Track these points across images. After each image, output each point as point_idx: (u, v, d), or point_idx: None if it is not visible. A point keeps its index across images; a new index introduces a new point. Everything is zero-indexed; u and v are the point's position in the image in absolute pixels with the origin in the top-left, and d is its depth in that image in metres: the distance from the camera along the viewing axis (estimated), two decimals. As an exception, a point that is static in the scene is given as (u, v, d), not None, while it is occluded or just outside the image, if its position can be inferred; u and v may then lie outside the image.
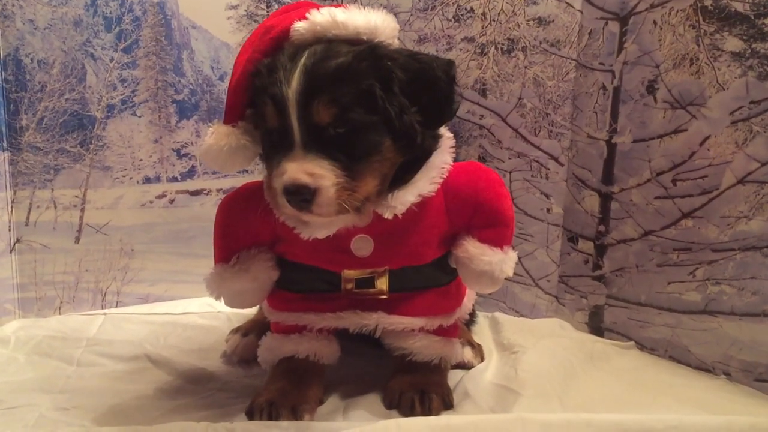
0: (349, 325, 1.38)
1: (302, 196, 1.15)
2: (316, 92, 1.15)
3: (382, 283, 1.36)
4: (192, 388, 1.47)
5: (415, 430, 1.19)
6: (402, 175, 1.26)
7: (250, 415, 1.29)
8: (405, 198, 1.24)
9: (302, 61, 1.17)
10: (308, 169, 1.15)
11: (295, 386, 1.35)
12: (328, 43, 1.21)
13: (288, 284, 1.40)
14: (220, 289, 1.37)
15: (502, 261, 1.35)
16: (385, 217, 1.24)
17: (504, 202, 1.37)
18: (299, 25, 1.23)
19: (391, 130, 1.19)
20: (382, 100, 1.17)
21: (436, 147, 1.29)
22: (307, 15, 1.23)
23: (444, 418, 1.28)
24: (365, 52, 1.19)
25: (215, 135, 1.27)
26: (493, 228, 1.36)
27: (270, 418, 1.26)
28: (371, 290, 1.37)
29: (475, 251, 1.34)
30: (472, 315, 1.75)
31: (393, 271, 1.36)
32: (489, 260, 1.33)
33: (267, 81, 1.19)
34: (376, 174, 1.21)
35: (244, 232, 1.36)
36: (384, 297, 1.37)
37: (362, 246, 1.31)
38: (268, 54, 1.24)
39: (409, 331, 1.40)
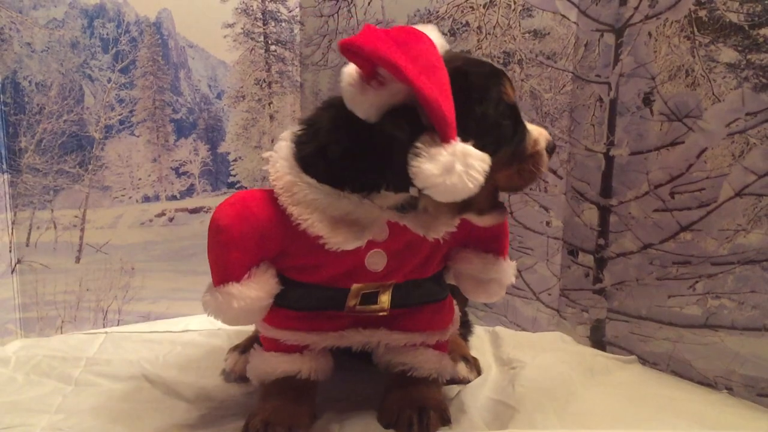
0: (352, 344, 1.38)
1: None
2: None
3: (385, 298, 1.35)
4: (187, 407, 1.47)
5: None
6: None
7: None
8: (445, 227, 1.26)
9: None
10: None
11: (291, 404, 1.33)
12: None
13: (289, 302, 1.35)
14: (228, 311, 1.26)
15: (506, 268, 1.41)
16: (429, 239, 1.24)
17: None
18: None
19: None
20: None
21: None
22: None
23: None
24: None
25: (472, 155, 1.12)
26: (496, 238, 1.40)
27: None
28: (373, 307, 1.35)
29: (480, 261, 1.39)
30: (469, 326, 1.74)
31: (396, 285, 1.35)
32: (497, 268, 1.39)
33: (489, 79, 1.24)
34: None
35: (257, 246, 1.26)
36: (384, 313, 1.36)
37: (377, 261, 1.29)
38: None
39: (410, 346, 1.39)
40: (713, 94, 1.52)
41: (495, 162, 1.16)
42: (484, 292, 1.43)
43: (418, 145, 1.09)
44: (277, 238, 1.26)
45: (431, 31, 1.22)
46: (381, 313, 1.36)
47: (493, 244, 1.40)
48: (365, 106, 1.15)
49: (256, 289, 1.27)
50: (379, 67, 1.12)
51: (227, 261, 1.26)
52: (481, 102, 1.20)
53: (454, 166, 1.07)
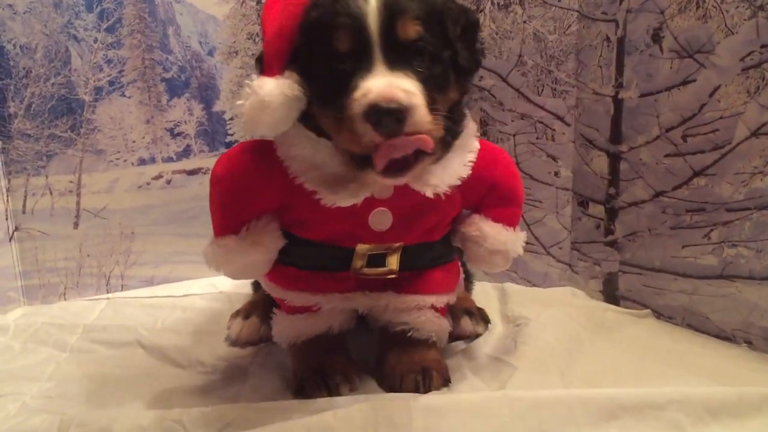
0: (359, 306, 1.34)
1: (396, 114, 1.03)
2: (399, 7, 1.09)
3: (393, 261, 1.30)
4: (178, 372, 1.45)
5: (394, 412, 1.14)
6: None
7: (302, 393, 1.27)
8: (446, 179, 1.21)
9: None
10: (400, 85, 1.05)
11: (334, 356, 1.33)
12: None
13: (294, 260, 1.32)
14: (228, 264, 1.27)
15: (515, 240, 1.35)
16: (426, 194, 1.19)
17: (518, 182, 1.38)
18: None
19: (455, 67, 1.16)
20: (452, 32, 1.15)
21: (462, 126, 1.26)
22: None
23: (424, 398, 1.21)
24: None
25: (266, 87, 1.12)
26: (508, 208, 1.36)
27: (327, 388, 1.26)
28: (381, 269, 1.30)
29: (489, 230, 1.33)
30: (470, 277, 1.68)
31: (406, 248, 1.30)
32: (504, 240, 1.34)
33: (334, 6, 1.10)
34: (446, 109, 1.14)
35: (254, 198, 1.25)
36: (393, 276, 1.30)
37: (381, 220, 1.24)
38: None
39: (417, 307, 1.34)
40: (726, 26, 1.41)
41: (320, 112, 1.15)
42: (488, 262, 1.38)
43: (247, 81, 1.14)
44: (275, 190, 1.23)
45: None
46: (390, 276, 1.31)
47: (504, 213, 1.35)
48: None
49: (254, 243, 1.25)
50: None
51: (224, 213, 1.27)
52: (310, 43, 1.14)
53: (249, 96, 1.12)
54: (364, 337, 1.42)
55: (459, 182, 1.22)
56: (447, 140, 1.18)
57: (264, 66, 1.17)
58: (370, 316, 1.39)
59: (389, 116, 1.03)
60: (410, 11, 1.09)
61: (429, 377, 1.29)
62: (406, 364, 1.32)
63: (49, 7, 1.84)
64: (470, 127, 1.29)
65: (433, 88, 1.10)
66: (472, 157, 1.26)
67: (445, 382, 1.32)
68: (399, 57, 1.09)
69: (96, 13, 1.89)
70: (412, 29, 1.09)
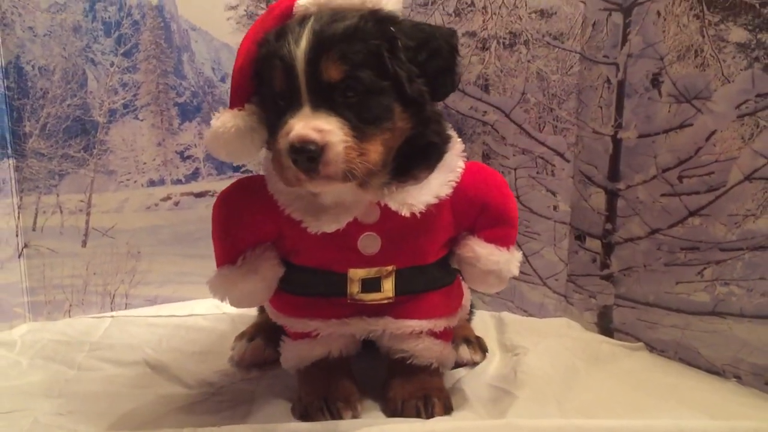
0: (356, 332, 1.37)
1: (309, 153, 1.10)
2: (325, 49, 1.14)
3: (388, 285, 1.34)
4: (186, 392, 1.48)
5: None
6: (409, 168, 1.25)
7: (306, 417, 1.31)
8: (423, 197, 1.25)
9: (310, 23, 1.16)
10: (316, 125, 1.12)
11: (336, 381, 1.37)
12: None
13: (293, 287, 1.38)
14: (228, 292, 1.35)
15: (509, 260, 1.37)
16: (402, 214, 1.23)
17: (510, 202, 1.38)
18: (303, 1, 1.23)
19: (401, 97, 1.18)
20: (391, 64, 1.16)
21: (446, 147, 1.31)
22: None
23: (428, 424, 1.26)
24: (371, 14, 1.19)
25: (221, 118, 1.25)
26: (500, 228, 1.37)
27: (330, 412, 1.30)
28: (376, 295, 1.34)
29: (482, 251, 1.35)
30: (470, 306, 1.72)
31: (399, 272, 1.33)
32: (497, 260, 1.35)
33: (275, 46, 1.18)
34: (385, 141, 1.19)
35: (248, 229, 1.33)
36: (390, 300, 1.34)
37: (369, 244, 1.29)
38: None
39: (414, 333, 1.37)
40: (723, 74, 1.47)
41: (270, 143, 1.23)
42: (482, 283, 1.41)
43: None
44: (267, 222, 1.31)
45: None
46: (385, 301, 1.35)
47: (497, 233, 1.37)
48: None
49: (250, 271, 1.33)
50: None
51: (222, 245, 1.35)
52: (262, 79, 1.24)
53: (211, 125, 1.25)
54: (372, 361, 1.45)
55: (436, 200, 1.26)
56: (409, 170, 1.25)
57: (230, 100, 1.28)
58: (375, 341, 1.43)
59: (303, 155, 1.11)
60: (334, 52, 1.14)
61: (431, 404, 1.33)
62: (408, 391, 1.36)
63: (68, 30, 1.90)
64: (455, 148, 1.32)
65: (366, 121, 1.15)
66: (453, 176, 1.29)
67: (447, 409, 1.35)
68: (325, 96, 1.14)
69: (114, 38, 1.94)
70: (335, 71, 1.14)
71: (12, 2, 1.83)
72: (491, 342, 1.71)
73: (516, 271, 1.38)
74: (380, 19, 1.19)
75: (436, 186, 1.27)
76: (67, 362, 1.63)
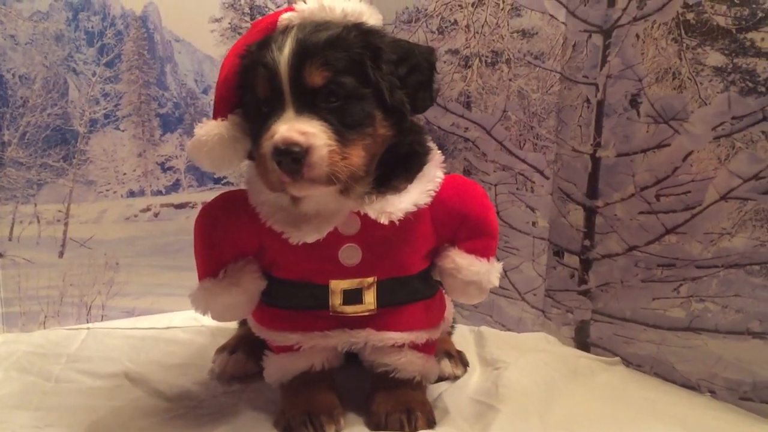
0: (338, 344, 1.37)
1: (293, 155, 1.12)
2: (308, 56, 1.17)
3: (370, 297, 1.34)
4: (167, 406, 1.46)
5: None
6: (389, 178, 1.27)
7: (290, 431, 1.31)
8: (401, 205, 1.26)
9: (293, 32, 1.20)
10: (300, 128, 1.14)
11: (319, 394, 1.37)
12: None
13: (274, 300, 1.38)
14: (209, 305, 1.35)
15: (489, 271, 1.38)
16: (381, 221, 1.25)
17: (490, 213, 1.39)
18: (286, 15, 1.26)
19: (382, 105, 1.21)
20: (373, 72, 1.19)
21: (426, 158, 1.33)
22: (293, 6, 1.27)
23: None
24: (354, 26, 1.23)
25: (205, 128, 1.27)
26: (480, 239, 1.38)
27: (313, 426, 1.30)
28: (358, 306, 1.34)
29: (462, 262, 1.36)
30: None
31: (380, 283, 1.34)
32: (477, 270, 1.36)
33: (258, 55, 1.21)
34: (367, 147, 1.21)
35: (230, 242, 1.33)
36: (372, 312, 1.35)
37: (350, 255, 1.30)
38: None
39: (396, 346, 1.38)
40: (700, 97, 1.52)
41: (254, 150, 1.24)
42: (463, 294, 1.42)
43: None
44: (248, 235, 1.32)
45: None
46: (367, 313, 1.35)
47: (477, 244, 1.38)
48: None
49: (231, 284, 1.33)
50: None
51: (203, 258, 1.36)
52: (245, 89, 1.26)
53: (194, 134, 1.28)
54: (354, 374, 1.45)
55: (415, 209, 1.27)
56: (390, 180, 1.27)
57: (213, 110, 1.30)
58: (358, 354, 1.43)
59: (287, 156, 1.12)
60: (318, 58, 1.17)
61: (414, 418, 1.33)
62: (391, 404, 1.36)
63: (50, 39, 1.88)
64: (435, 159, 1.35)
65: (348, 126, 1.18)
66: (432, 186, 1.31)
67: (430, 423, 1.35)
68: (308, 101, 1.17)
69: (96, 48, 1.93)
70: (318, 76, 1.17)
71: (-7, 10, 1.81)
72: (471, 356, 1.73)
73: (496, 282, 1.39)
74: (364, 31, 1.23)
75: (415, 195, 1.28)
76: (44, 374, 1.60)
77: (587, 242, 1.79)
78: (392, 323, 1.37)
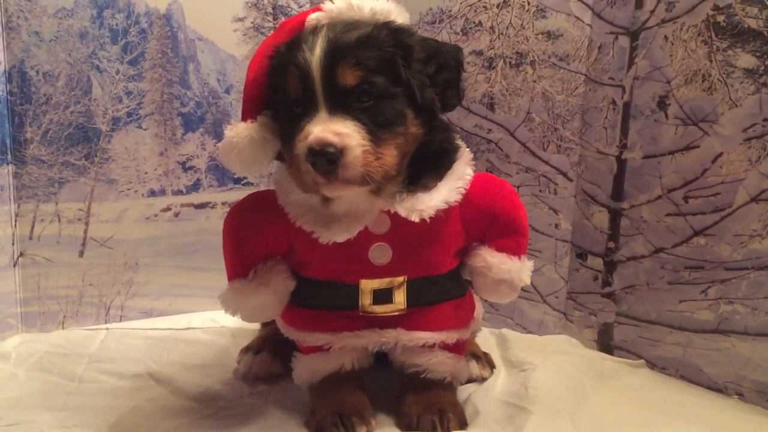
0: (368, 344, 1.36)
1: (328, 156, 1.12)
2: (340, 56, 1.17)
3: (400, 296, 1.34)
4: (194, 406, 1.45)
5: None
6: (419, 176, 1.28)
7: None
8: (432, 203, 1.26)
9: (324, 32, 1.19)
10: (334, 129, 1.14)
11: (350, 395, 1.36)
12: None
13: (304, 300, 1.38)
14: (239, 306, 1.34)
15: (521, 269, 1.38)
16: (412, 219, 1.24)
17: (520, 211, 1.39)
18: (314, 15, 1.26)
19: (413, 104, 1.21)
20: (404, 71, 1.19)
21: (455, 156, 1.34)
22: (321, 5, 1.27)
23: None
24: (383, 24, 1.23)
25: (234, 130, 1.26)
26: (511, 237, 1.38)
27: (344, 427, 1.29)
28: (388, 306, 1.34)
29: (493, 260, 1.36)
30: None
31: (410, 282, 1.34)
32: (508, 269, 1.36)
33: (288, 55, 1.21)
34: (399, 146, 1.21)
35: (259, 243, 1.33)
36: (401, 311, 1.34)
37: (380, 254, 1.30)
38: None
39: (427, 347, 1.37)
40: (730, 98, 1.51)
41: (284, 151, 1.25)
42: (494, 292, 1.42)
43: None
44: (277, 235, 1.32)
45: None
46: (397, 313, 1.34)
47: (507, 242, 1.37)
48: None
49: (261, 284, 1.33)
50: None
51: (232, 259, 1.36)
52: (274, 90, 1.26)
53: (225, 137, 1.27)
54: (384, 374, 1.44)
55: (446, 206, 1.27)
56: (419, 178, 1.28)
57: (242, 112, 1.29)
58: (388, 354, 1.42)
59: (322, 158, 1.12)
60: (350, 58, 1.17)
61: (446, 419, 1.33)
62: (422, 405, 1.35)
63: (75, 36, 1.88)
64: (464, 157, 1.35)
65: (381, 125, 1.18)
66: (462, 183, 1.31)
67: (462, 425, 1.35)
68: (341, 101, 1.17)
69: (120, 46, 1.93)
70: (351, 76, 1.17)
71: (18, 6, 1.80)
72: (495, 358, 1.71)
73: (528, 280, 1.39)
74: (394, 29, 1.23)
75: (445, 192, 1.28)
76: (67, 375, 1.60)
77: (612, 244, 1.79)
78: (423, 323, 1.37)
